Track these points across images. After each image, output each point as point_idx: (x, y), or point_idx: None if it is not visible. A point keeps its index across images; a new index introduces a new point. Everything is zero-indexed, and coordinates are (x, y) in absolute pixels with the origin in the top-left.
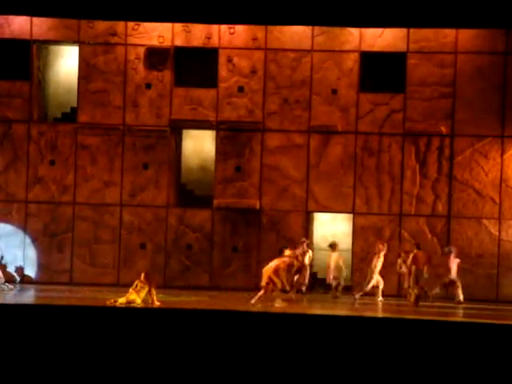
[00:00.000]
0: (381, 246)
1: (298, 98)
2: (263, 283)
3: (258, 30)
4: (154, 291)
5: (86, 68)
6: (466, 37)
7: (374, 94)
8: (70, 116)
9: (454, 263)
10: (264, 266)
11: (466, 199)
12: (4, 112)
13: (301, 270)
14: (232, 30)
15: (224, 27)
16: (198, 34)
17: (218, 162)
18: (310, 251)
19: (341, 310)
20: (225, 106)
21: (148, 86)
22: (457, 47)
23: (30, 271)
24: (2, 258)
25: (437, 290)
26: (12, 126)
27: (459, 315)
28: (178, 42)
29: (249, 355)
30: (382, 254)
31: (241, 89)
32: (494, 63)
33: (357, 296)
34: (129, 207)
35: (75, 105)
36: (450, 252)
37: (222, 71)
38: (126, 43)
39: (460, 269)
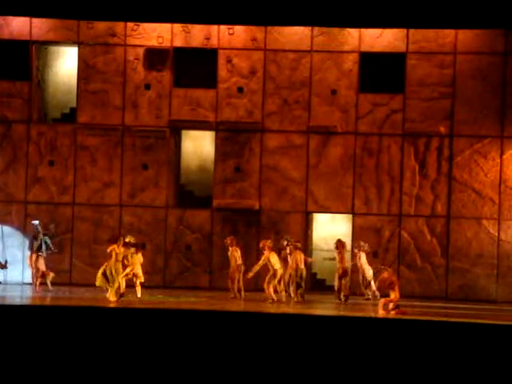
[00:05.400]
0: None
1: (297, 98)
2: None
3: (258, 31)
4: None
5: (86, 68)
6: (465, 37)
7: (374, 94)
8: (70, 116)
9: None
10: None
11: (466, 200)
12: (4, 112)
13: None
14: (231, 31)
15: (223, 28)
16: (197, 34)
17: (217, 163)
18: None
19: (341, 311)
20: (224, 107)
21: (147, 86)
22: (456, 48)
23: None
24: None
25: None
26: (11, 126)
27: (458, 316)
28: (178, 43)
29: (248, 356)
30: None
31: (240, 89)
32: (494, 64)
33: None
34: (128, 208)
35: (75, 105)
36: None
37: (222, 72)
38: (125, 44)
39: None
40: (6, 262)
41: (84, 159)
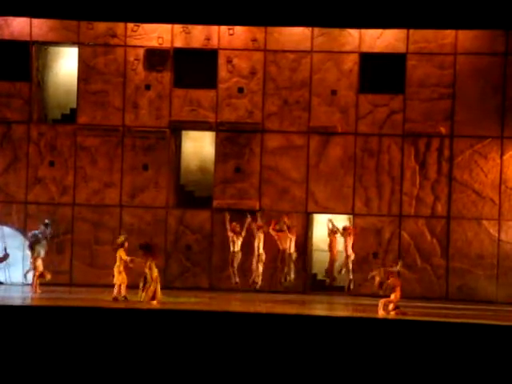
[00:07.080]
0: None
1: (297, 98)
2: None
3: (258, 31)
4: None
5: (86, 69)
6: (465, 38)
7: (374, 94)
8: (70, 117)
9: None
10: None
11: (466, 200)
12: (4, 113)
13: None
14: (231, 31)
15: (223, 28)
16: (197, 35)
17: (217, 163)
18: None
19: (340, 312)
20: (224, 107)
21: (147, 87)
22: (456, 48)
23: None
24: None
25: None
26: (12, 126)
27: (458, 316)
28: (178, 43)
29: (248, 356)
30: None
31: (240, 90)
32: (494, 64)
33: None
34: (128, 208)
35: (75, 106)
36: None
37: (222, 72)
38: (125, 44)
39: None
40: (5, 249)
41: (84, 160)
